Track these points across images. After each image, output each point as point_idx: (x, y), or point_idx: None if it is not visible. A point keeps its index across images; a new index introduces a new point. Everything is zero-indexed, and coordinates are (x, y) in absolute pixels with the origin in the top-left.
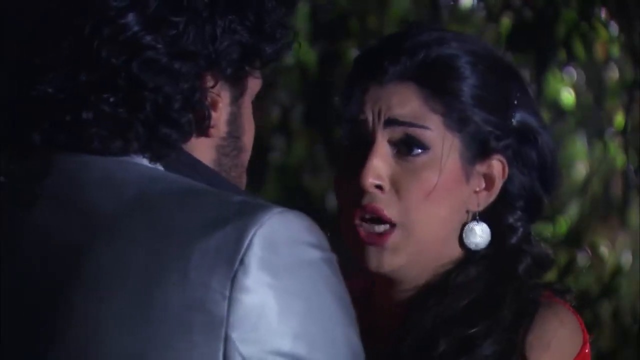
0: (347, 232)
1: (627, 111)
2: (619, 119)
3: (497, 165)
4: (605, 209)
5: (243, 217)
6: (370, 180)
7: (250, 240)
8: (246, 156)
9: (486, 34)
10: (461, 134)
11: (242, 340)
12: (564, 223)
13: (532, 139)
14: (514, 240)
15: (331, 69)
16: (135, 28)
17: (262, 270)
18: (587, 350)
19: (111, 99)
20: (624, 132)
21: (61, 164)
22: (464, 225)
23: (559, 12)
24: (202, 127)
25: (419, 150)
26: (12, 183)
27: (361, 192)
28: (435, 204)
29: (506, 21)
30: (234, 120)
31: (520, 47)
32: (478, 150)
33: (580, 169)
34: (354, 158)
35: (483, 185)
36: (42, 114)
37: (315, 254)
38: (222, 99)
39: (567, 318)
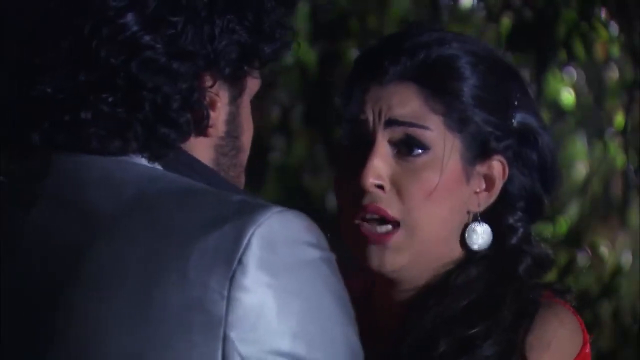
0: (348, 231)
1: (627, 111)
2: (619, 119)
3: (497, 166)
4: (605, 209)
5: (242, 216)
6: (370, 180)
7: (249, 240)
8: (245, 156)
9: (486, 34)
10: (462, 134)
11: (241, 339)
12: (564, 223)
13: (533, 139)
14: (514, 240)
15: (331, 69)
16: (134, 28)
17: (261, 269)
18: (587, 351)
19: (110, 99)
20: (624, 132)
21: (60, 164)
22: (464, 225)
23: (559, 12)
24: (201, 127)
25: (420, 151)
26: (12, 183)
27: (361, 192)
28: (436, 204)
29: (506, 21)
30: (233, 120)
31: (520, 47)
32: (478, 151)
33: (580, 169)
34: (354, 158)
35: (483, 185)
36: (41, 114)
37: (314, 254)
38: (220, 98)
39: (567, 318)
